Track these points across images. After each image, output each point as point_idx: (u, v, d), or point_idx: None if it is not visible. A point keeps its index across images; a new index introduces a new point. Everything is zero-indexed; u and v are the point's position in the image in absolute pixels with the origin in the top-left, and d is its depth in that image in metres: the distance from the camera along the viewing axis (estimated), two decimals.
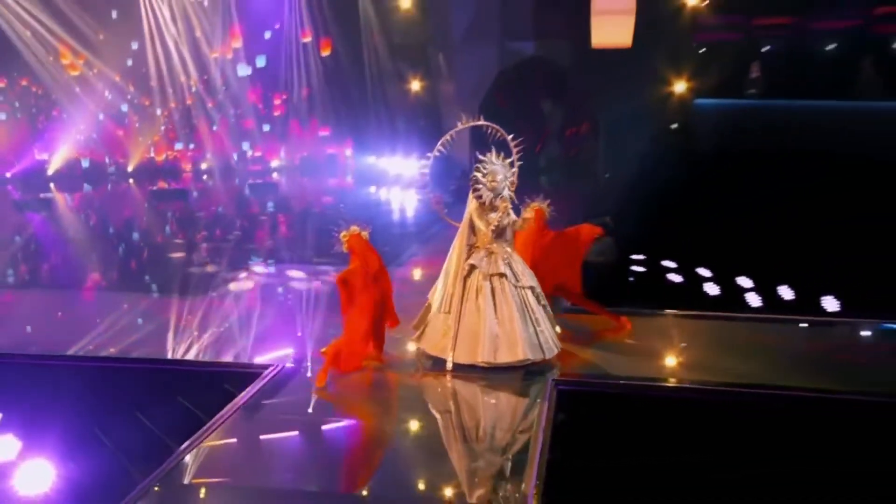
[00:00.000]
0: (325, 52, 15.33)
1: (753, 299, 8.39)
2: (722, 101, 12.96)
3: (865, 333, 7.51)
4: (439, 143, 6.50)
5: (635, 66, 12.05)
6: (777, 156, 11.50)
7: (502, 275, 6.26)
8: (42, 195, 14.53)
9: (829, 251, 9.11)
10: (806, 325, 7.73)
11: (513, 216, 6.39)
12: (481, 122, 6.48)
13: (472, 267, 6.30)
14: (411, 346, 6.54)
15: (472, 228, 6.38)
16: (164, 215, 14.32)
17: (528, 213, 6.61)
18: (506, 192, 6.35)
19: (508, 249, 6.39)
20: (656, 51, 10.82)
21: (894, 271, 8.30)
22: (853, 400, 5.83)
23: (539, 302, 6.37)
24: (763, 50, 12.92)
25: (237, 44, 15.30)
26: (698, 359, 6.82)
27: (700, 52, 12.60)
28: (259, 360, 6.58)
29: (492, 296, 6.25)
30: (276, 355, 6.64)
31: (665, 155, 12.27)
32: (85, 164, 15.45)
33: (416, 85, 14.71)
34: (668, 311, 7.83)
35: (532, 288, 6.36)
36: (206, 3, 14.90)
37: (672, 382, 6.35)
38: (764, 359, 6.63)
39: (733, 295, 8.51)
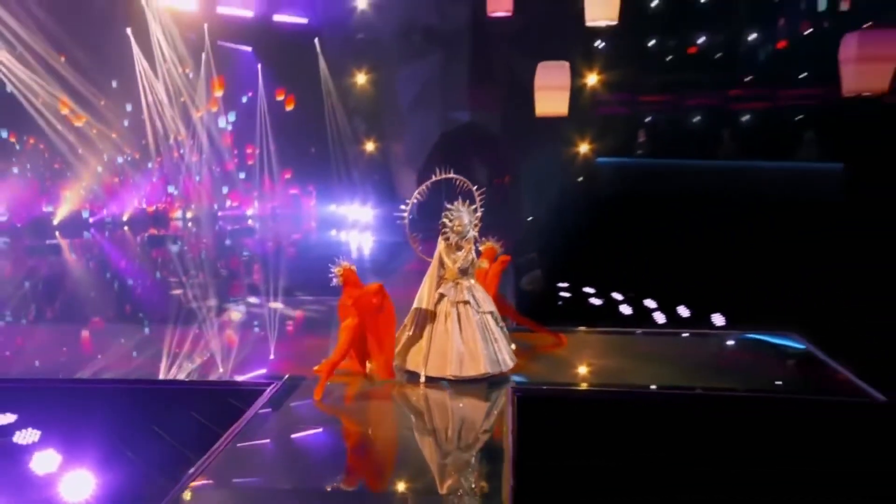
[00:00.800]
0: (289, 107, 15.24)
1: (658, 316, 8.52)
2: (617, 159, 13.41)
3: (731, 342, 7.71)
4: (416, 191, 6.40)
5: (550, 131, 12.27)
6: (661, 201, 11.83)
7: (466, 302, 6.26)
8: (48, 241, 14.09)
9: (710, 276, 9.27)
10: (687, 335, 7.90)
11: (473, 255, 6.36)
12: (452, 175, 6.41)
13: (442, 295, 6.28)
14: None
15: (442, 264, 6.34)
16: (156, 258, 13.94)
17: (483, 256, 6.58)
18: (470, 234, 6.33)
19: (472, 281, 6.37)
20: (566, 120, 11.17)
21: (756, 293, 8.50)
22: (747, 397, 6.08)
23: (497, 324, 6.38)
24: (646, 120, 13.63)
25: (216, 106, 15.15)
26: (622, 367, 6.83)
27: (600, 121, 13.07)
28: (261, 378, 6.46)
29: (458, 320, 6.23)
30: (273, 374, 6.49)
31: (575, 201, 12.51)
32: (85, 214, 15.03)
33: (370, 146, 14.89)
34: (591, 328, 7.88)
35: (491, 312, 6.36)
36: (191, 75, 14.76)
37: (607, 387, 6.36)
38: (672, 365, 6.82)
39: (642, 313, 8.63)
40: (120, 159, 15.52)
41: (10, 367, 7.24)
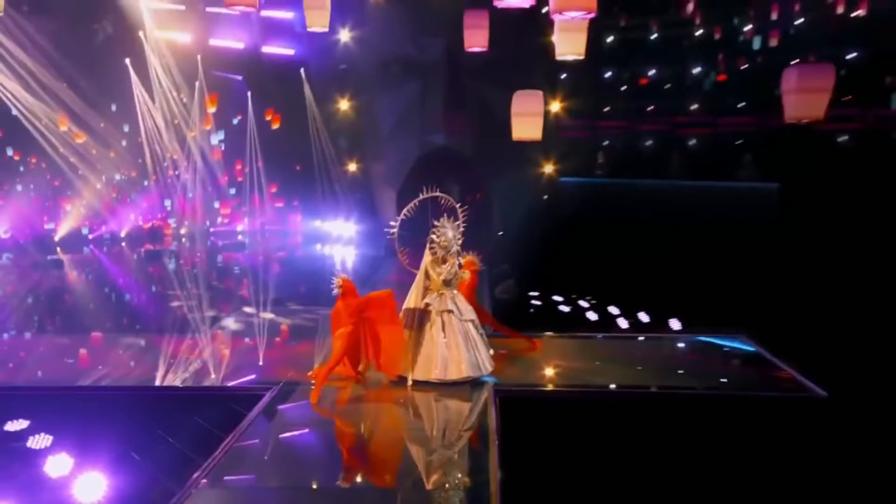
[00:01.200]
0: (275, 125, 15.04)
1: (622, 322, 8.58)
2: (579, 179, 13.61)
3: (684, 345, 7.76)
4: (405, 209, 6.37)
5: (518, 153, 12.45)
6: (619, 216, 12.07)
7: (450, 311, 6.26)
8: (50, 257, 13.71)
9: (666, 284, 9.43)
10: (643, 338, 7.98)
11: (457, 267, 6.34)
12: (438, 194, 6.38)
13: (427, 305, 6.28)
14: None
15: (427, 276, 6.33)
16: (152, 272, 13.61)
17: (464, 268, 6.50)
18: (454, 249, 6.31)
19: (455, 291, 6.38)
20: (533, 143, 11.33)
21: (708, 300, 8.61)
22: (698, 395, 6.14)
23: (478, 331, 6.39)
24: (604, 143, 13.85)
25: (210, 124, 14.93)
26: (587, 368, 6.88)
27: (563, 144, 13.22)
28: (259, 383, 6.32)
29: (442, 327, 6.23)
30: (270, 380, 6.36)
31: (541, 217, 12.74)
32: (85, 231, 14.73)
33: (352, 166, 14.90)
34: (558, 333, 7.91)
35: (472, 321, 6.37)
36: (185, 100, 14.63)
37: (580, 387, 6.37)
38: (630, 366, 6.91)
39: (606, 319, 8.70)
40: (118, 177, 15.26)
41: (20, 375, 7.09)
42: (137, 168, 14.97)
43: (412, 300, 6.36)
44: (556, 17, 5.42)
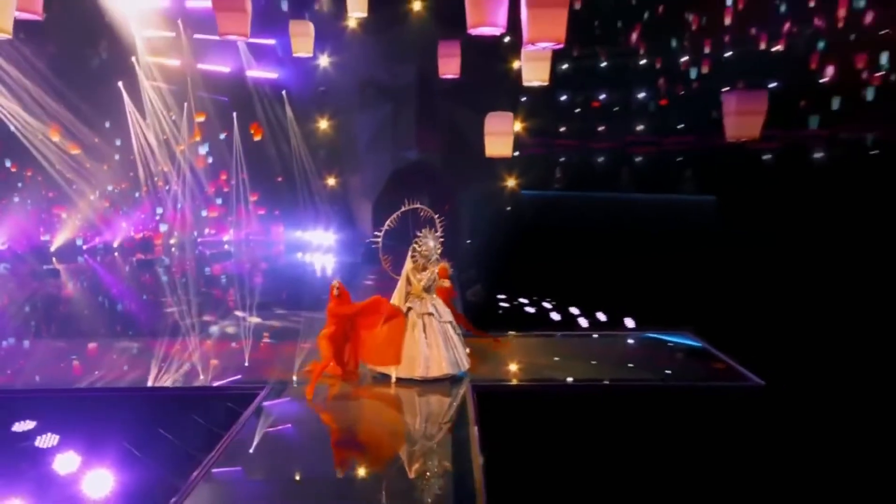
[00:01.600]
0: (257, 137, 14.75)
1: (582, 321, 8.72)
2: (538, 192, 13.75)
3: (635, 342, 7.96)
4: (388, 221, 6.42)
5: (484, 168, 12.52)
6: (576, 226, 12.19)
7: (430, 314, 6.37)
8: (46, 266, 13.37)
9: (618, 287, 9.63)
10: (597, 336, 8.17)
11: (436, 274, 6.43)
12: (419, 206, 6.45)
13: (409, 308, 6.37)
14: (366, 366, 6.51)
15: (409, 281, 6.41)
16: (143, 280, 13.35)
17: (439, 275, 6.53)
18: (434, 257, 6.41)
19: (434, 295, 6.47)
20: (497, 159, 11.40)
21: (659, 301, 8.81)
22: (648, 385, 6.34)
23: (455, 332, 6.50)
24: (560, 160, 14.01)
25: (199, 135, 14.63)
26: (552, 364, 7.03)
27: (524, 160, 13.32)
28: (250, 383, 6.30)
29: (423, 329, 6.33)
30: (261, 379, 6.36)
31: (505, 226, 12.80)
32: (79, 241, 14.33)
33: (331, 180, 14.81)
34: (522, 332, 8.04)
35: (450, 322, 6.49)
36: (174, 117, 14.37)
37: (544, 381, 6.54)
38: (587, 362, 7.11)
39: (568, 319, 8.82)
40: (110, 188, 14.94)
41: (22, 378, 6.96)
42: (129, 181, 14.67)
43: (394, 303, 6.41)
44: (528, 48, 5.55)
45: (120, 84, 13.46)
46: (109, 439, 5.02)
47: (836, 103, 11.31)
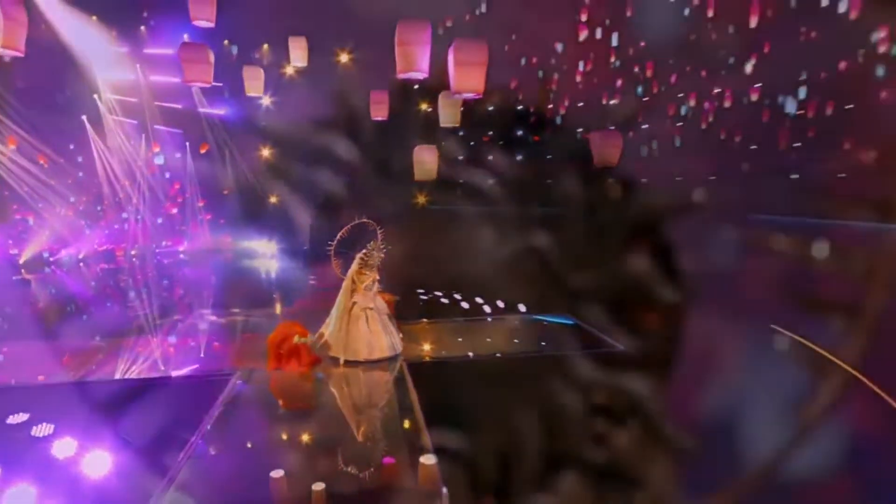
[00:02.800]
0: (203, 150, 14.00)
1: (486, 308, 8.85)
2: (445, 207, 13.59)
3: (520, 322, 8.14)
4: (339, 233, 6.37)
5: (403, 188, 12.38)
6: (475, 234, 11.94)
7: (372, 308, 6.46)
8: (15, 277, 11.96)
9: (511, 282, 9.61)
10: (490, 319, 8.24)
11: (377, 276, 6.52)
12: (365, 220, 6.47)
13: (355, 303, 6.44)
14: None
15: (353, 282, 6.46)
16: (107, 289, 12.25)
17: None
18: (376, 264, 6.48)
19: (374, 292, 6.55)
20: (413, 181, 11.04)
21: (545, 291, 8.91)
22: (531, 355, 6.70)
23: (392, 322, 6.64)
24: (461, 181, 13.90)
25: (154, 151, 13.69)
26: (453, 343, 7.21)
27: (434, 182, 12.34)
28: (221, 371, 6.14)
29: (366, 320, 6.41)
30: (229, 368, 6.19)
31: (422, 235, 11.99)
32: (46, 254, 12.89)
33: (273, 199, 14.24)
34: (432, 320, 8.14)
35: (389, 314, 6.64)
36: (132, 142, 13.31)
37: (454, 357, 6.72)
38: (484, 339, 7.31)
39: (475, 307, 8.95)
40: (72, 199, 13.56)
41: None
42: (92, 197, 13.47)
43: (342, 300, 6.44)
44: (456, 96, 5.63)
45: (84, 118, 12.39)
46: (96, 428, 4.77)
47: None
